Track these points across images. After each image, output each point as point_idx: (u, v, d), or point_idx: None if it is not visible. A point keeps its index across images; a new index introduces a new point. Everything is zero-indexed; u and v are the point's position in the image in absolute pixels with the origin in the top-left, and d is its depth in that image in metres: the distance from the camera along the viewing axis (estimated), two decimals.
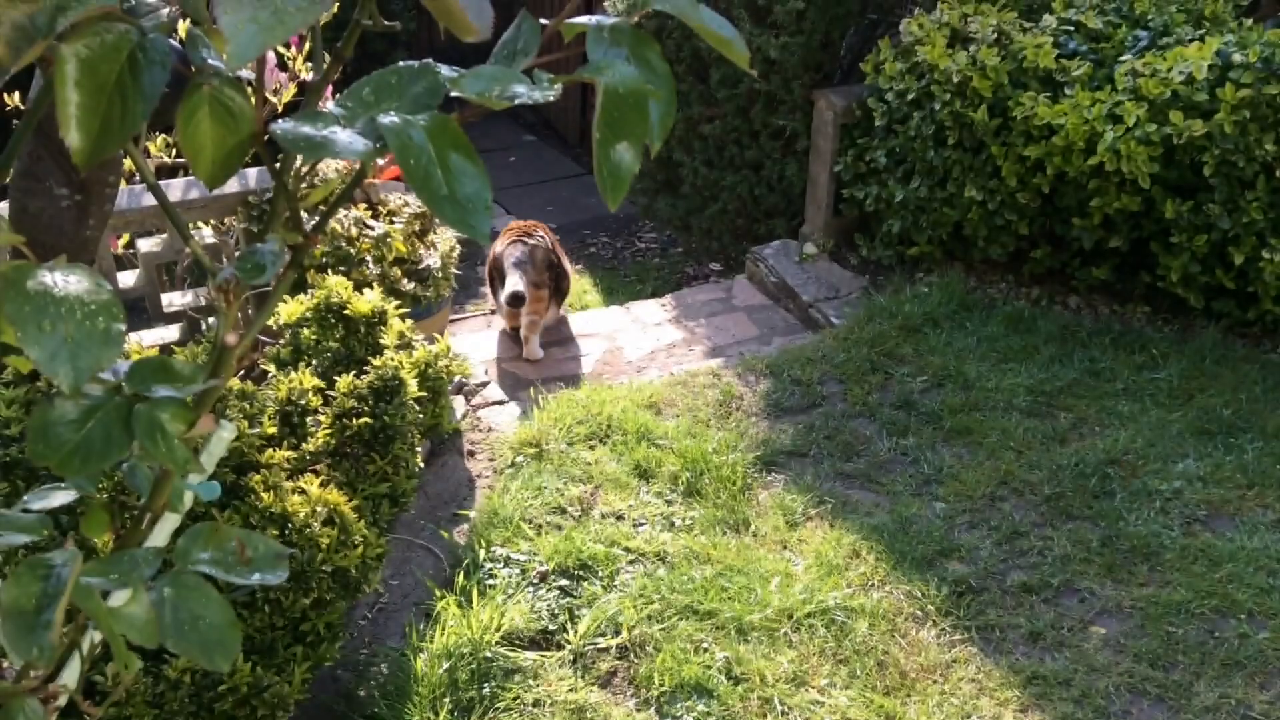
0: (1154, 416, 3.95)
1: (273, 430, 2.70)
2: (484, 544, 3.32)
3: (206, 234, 4.22)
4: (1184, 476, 3.62)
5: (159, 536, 1.07)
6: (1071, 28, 4.67)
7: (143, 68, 0.71)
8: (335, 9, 0.73)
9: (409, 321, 3.31)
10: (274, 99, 4.38)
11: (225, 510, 2.40)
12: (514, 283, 4.48)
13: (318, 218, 0.94)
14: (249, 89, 0.80)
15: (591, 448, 3.82)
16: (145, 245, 4.15)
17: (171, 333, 4.12)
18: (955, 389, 4.16)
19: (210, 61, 0.78)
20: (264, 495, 2.46)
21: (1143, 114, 4.07)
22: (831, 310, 4.88)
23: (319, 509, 2.53)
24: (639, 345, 4.88)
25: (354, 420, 2.80)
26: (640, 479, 3.67)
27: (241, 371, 3.30)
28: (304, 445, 2.73)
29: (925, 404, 4.09)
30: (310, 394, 2.82)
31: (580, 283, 7.04)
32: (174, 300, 4.20)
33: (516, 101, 0.79)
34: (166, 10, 1.01)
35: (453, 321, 6.31)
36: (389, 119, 0.75)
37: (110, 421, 0.78)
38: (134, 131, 0.71)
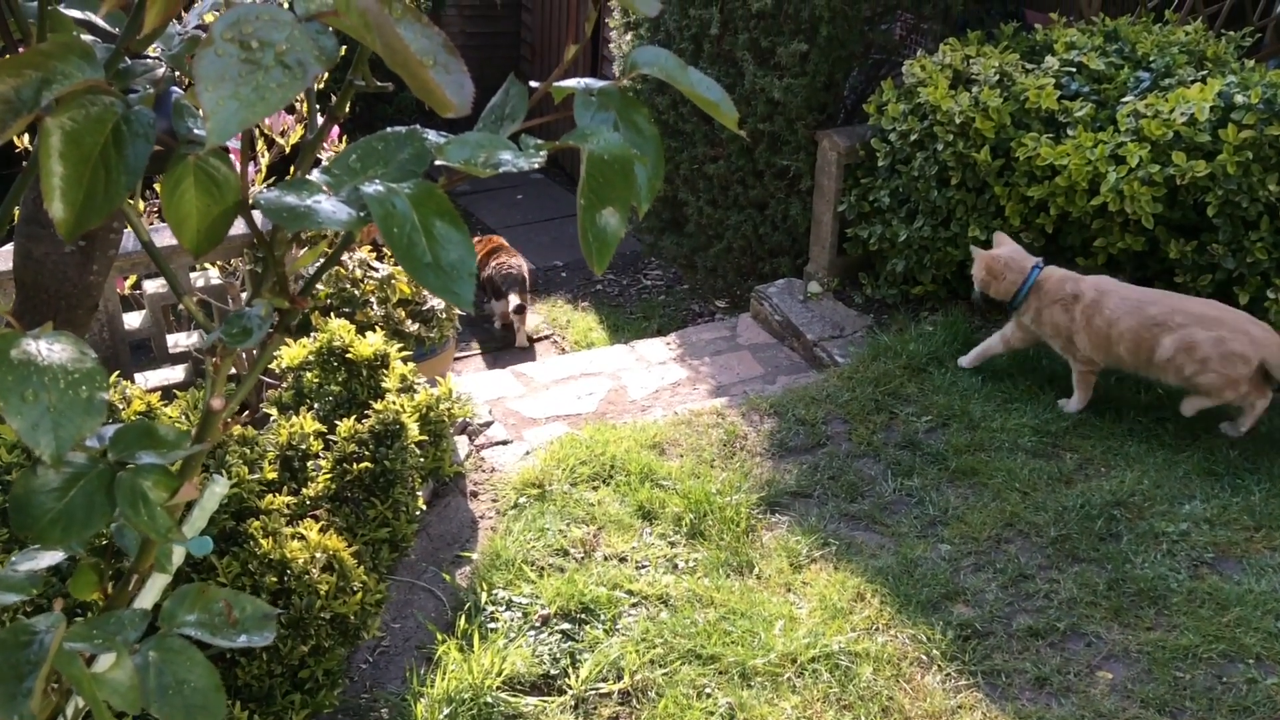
0: (1160, 458, 3.93)
1: (273, 475, 2.69)
2: (486, 586, 3.30)
3: (213, 275, 4.24)
4: (1191, 518, 3.59)
5: (147, 597, 1.06)
6: (1073, 69, 4.69)
7: (127, 140, 0.71)
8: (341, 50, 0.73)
9: (411, 365, 3.31)
10: (281, 140, 4.43)
11: (224, 557, 2.39)
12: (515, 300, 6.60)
13: (312, 271, 0.95)
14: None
15: (595, 488, 3.81)
16: (151, 286, 4.17)
17: (177, 373, 4.13)
18: (960, 429, 4.14)
19: (196, 131, 0.79)
20: (263, 541, 2.45)
21: (1145, 155, 4.08)
22: (836, 349, 4.88)
23: (318, 555, 2.52)
24: (643, 384, 4.87)
25: (354, 465, 2.79)
26: (643, 520, 3.65)
27: (246, 416, 3.31)
28: (304, 490, 2.72)
29: (930, 444, 4.07)
30: (311, 438, 2.82)
31: (586, 320, 7.04)
32: (179, 341, 4.22)
33: (501, 170, 0.79)
34: (163, 70, 1.02)
35: (458, 359, 6.32)
36: (373, 188, 0.75)
37: (93, 490, 0.78)
38: (118, 203, 0.71)
